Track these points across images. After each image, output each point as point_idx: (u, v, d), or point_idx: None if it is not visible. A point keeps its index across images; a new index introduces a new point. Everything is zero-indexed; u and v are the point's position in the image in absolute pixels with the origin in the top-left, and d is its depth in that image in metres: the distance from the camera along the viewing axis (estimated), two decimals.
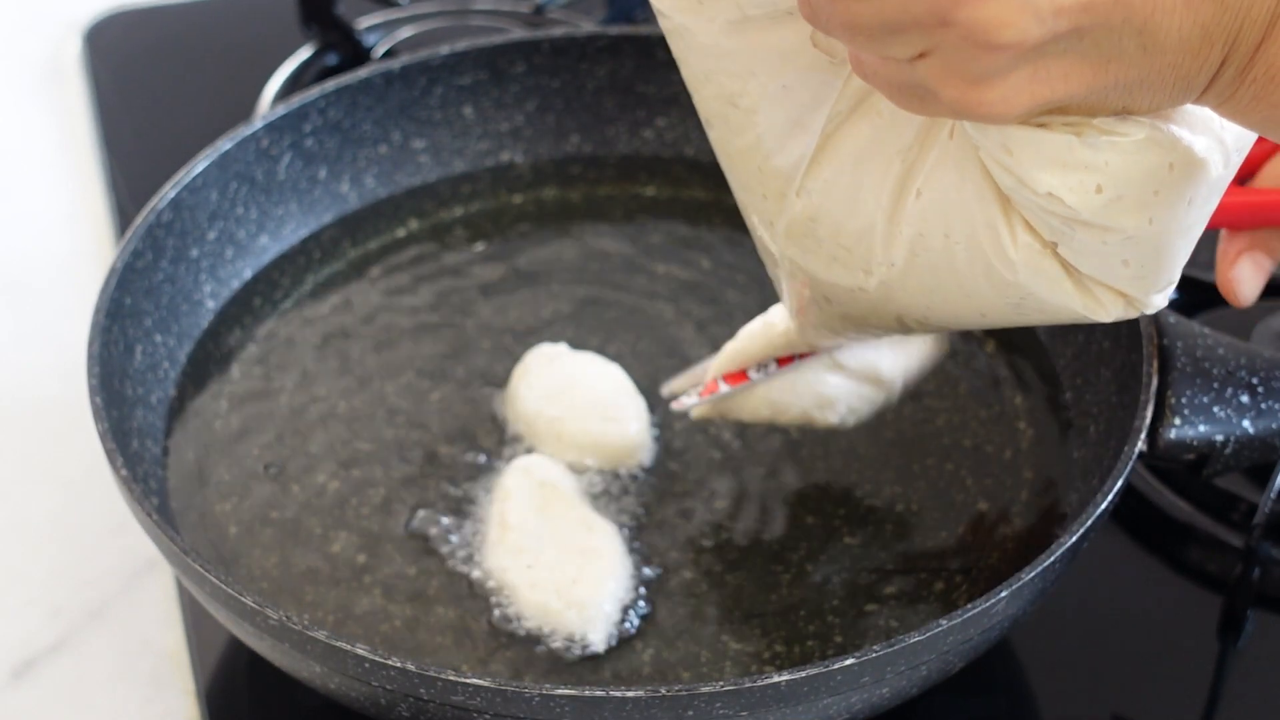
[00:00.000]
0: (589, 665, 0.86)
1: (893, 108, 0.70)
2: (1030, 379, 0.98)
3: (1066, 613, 0.92)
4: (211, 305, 1.01)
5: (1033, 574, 0.79)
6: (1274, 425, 0.88)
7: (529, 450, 0.95)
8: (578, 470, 0.94)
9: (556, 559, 0.88)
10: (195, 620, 0.93)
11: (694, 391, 0.92)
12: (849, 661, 0.76)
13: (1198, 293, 1.06)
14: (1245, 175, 0.86)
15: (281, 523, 0.92)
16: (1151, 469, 0.98)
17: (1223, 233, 0.84)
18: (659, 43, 1.09)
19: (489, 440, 0.96)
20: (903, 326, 0.79)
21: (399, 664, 0.76)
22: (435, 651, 0.87)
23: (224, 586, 0.79)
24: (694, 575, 0.90)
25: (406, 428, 0.97)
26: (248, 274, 1.03)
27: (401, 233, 1.08)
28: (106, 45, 1.30)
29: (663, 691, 0.75)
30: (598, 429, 0.94)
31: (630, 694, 0.75)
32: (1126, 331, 0.91)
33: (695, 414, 0.92)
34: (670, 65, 1.09)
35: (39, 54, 1.32)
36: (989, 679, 0.90)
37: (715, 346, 1.00)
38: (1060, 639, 0.92)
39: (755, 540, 0.91)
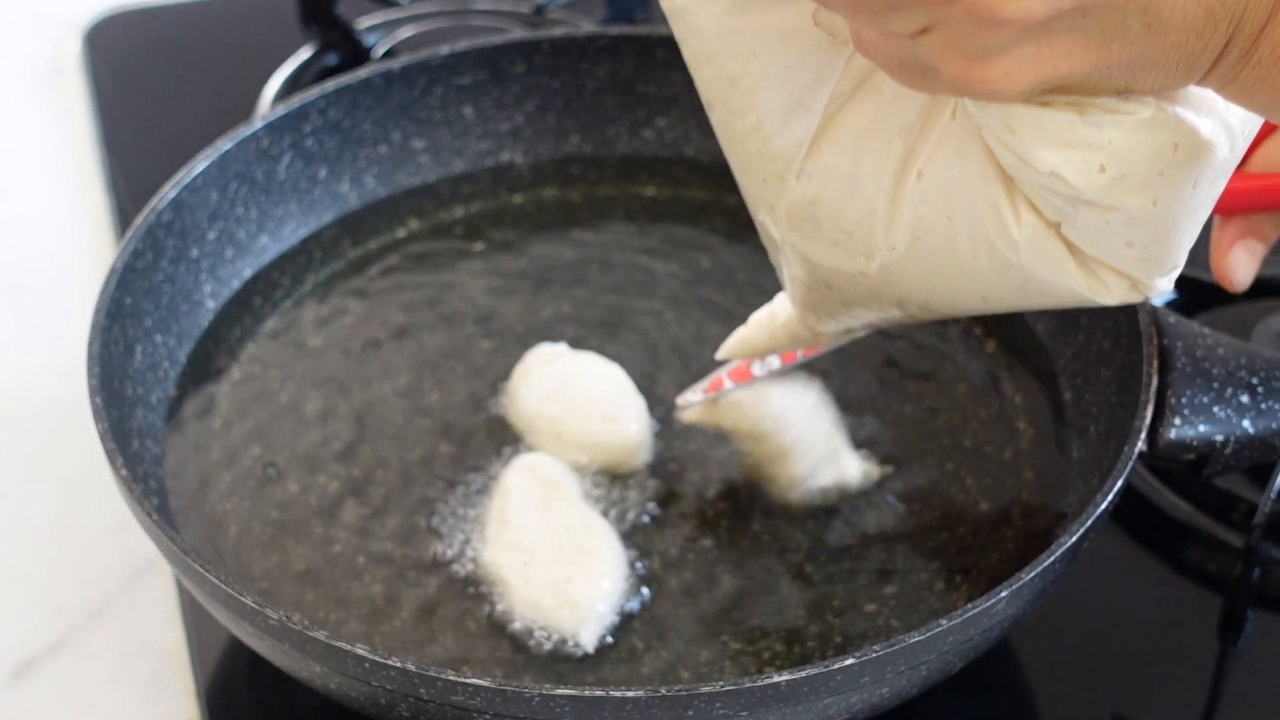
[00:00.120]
0: (588, 665, 0.86)
1: (894, 87, 0.70)
2: (1030, 379, 0.98)
3: (1066, 613, 0.92)
4: (211, 305, 1.01)
5: (1033, 574, 0.79)
6: (1274, 425, 0.88)
7: (529, 450, 0.95)
8: (577, 470, 0.94)
9: (552, 557, 0.88)
10: (195, 620, 0.93)
11: (699, 388, 0.92)
12: (849, 661, 0.76)
13: (1198, 293, 1.06)
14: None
15: (281, 523, 0.92)
16: (1151, 469, 0.98)
17: (1215, 218, 0.84)
18: (659, 43, 1.09)
19: (489, 440, 0.96)
20: (904, 312, 0.78)
21: (399, 664, 0.77)
22: (435, 651, 0.87)
23: (224, 586, 0.80)
24: (694, 575, 0.90)
25: (406, 428, 0.97)
26: (248, 274, 1.03)
27: (401, 233, 1.08)
28: (106, 45, 1.30)
29: (663, 691, 0.75)
30: (598, 429, 0.94)
31: (630, 694, 0.75)
32: (1126, 331, 0.91)
33: (686, 418, 0.93)
34: (670, 65, 1.10)
35: (39, 54, 1.32)
36: (989, 679, 0.90)
37: (715, 347, 1.00)
38: (1060, 639, 0.92)
39: (755, 540, 0.91)
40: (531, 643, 0.86)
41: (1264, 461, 0.89)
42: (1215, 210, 0.82)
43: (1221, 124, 0.66)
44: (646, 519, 0.92)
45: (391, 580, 0.90)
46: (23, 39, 1.34)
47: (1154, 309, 0.90)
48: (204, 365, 0.99)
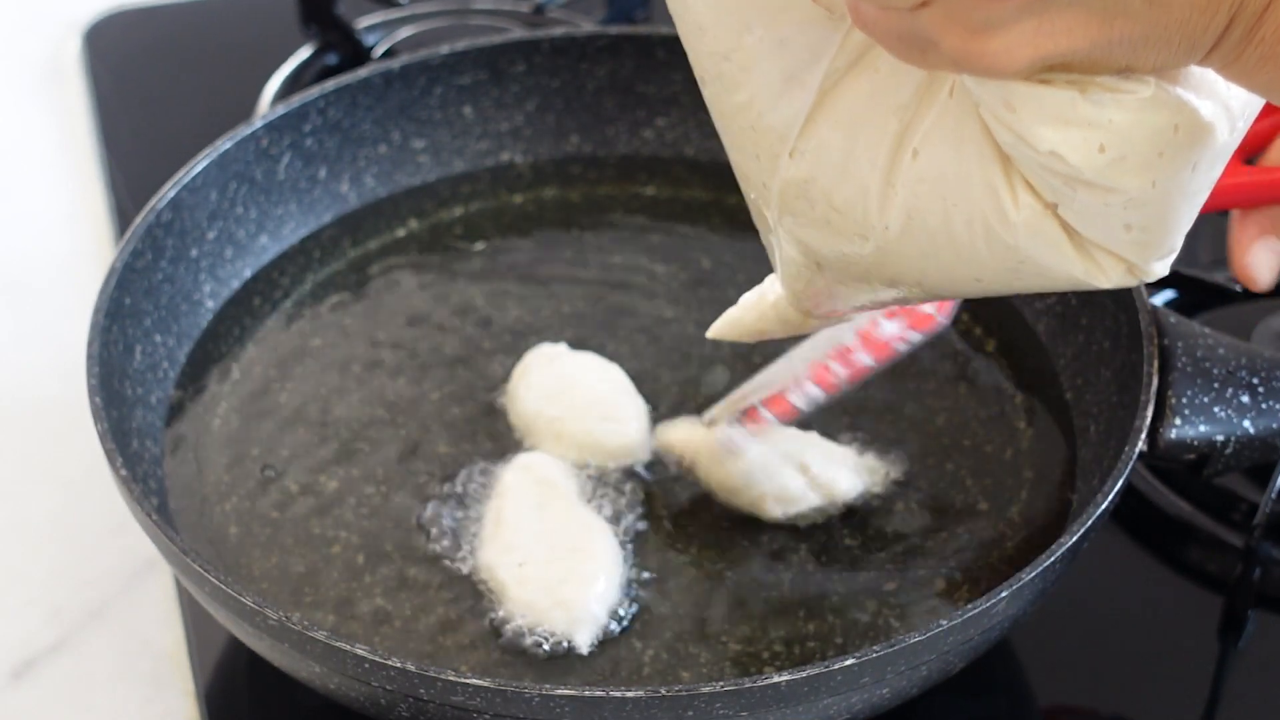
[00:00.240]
0: (589, 665, 0.86)
1: (891, 63, 0.70)
2: (1030, 379, 0.98)
3: (1066, 613, 0.92)
4: (211, 305, 1.01)
5: (1033, 574, 0.79)
6: (1274, 425, 0.88)
7: (529, 450, 0.95)
8: (577, 470, 0.94)
9: (548, 557, 0.88)
10: (195, 620, 0.93)
11: (734, 420, 0.91)
12: (849, 661, 0.76)
13: (1198, 293, 1.06)
14: (1253, 152, 0.85)
15: (281, 523, 0.92)
16: (1151, 469, 0.98)
17: (1233, 215, 0.83)
18: (659, 43, 1.09)
19: (489, 440, 0.96)
20: (896, 293, 0.77)
21: (399, 664, 0.76)
22: (435, 651, 0.86)
23: (224, 586, 0.79)
24: (694, 575, 0.90)
25: (406, 428, 0.97)
26: (247, 274, 1.03)
27: (401, 232, 1.08)
28: (106, 45, 1.30)
29: (663, 691, 0.75)
30: (598, 429, 0.94)
31: (630, 694, 0.75)
32: (1126, 331, 0.91)
33: (667, 441, 0.93)
34: (670, 65, 1.10)
35: (39, 54, 1.32)
36: (989, 679, 0.90)
37: (715, 346, 1.01)
38: (1060, 639, 0.92)
39: (755, 540, 0.91)
40: (528, 643, 0.86)
41: (1264, 461, 0.89)
42: (1233, 205, 0.82)
43: (1222, 106, 0.66)
44: (646, 519, 0.92)
45: (391, 580, 0.90)
46: (23, 39, 1.34)
47: (1154, 309, 0.90)
48: (204, 365, 0.99)
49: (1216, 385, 0.88)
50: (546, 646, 0.86)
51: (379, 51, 1.26)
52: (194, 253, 1.00)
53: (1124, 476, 0.83)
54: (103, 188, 1.19)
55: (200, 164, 1.00)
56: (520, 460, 0.93)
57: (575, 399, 0.95)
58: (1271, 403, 0.88)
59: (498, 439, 0.96)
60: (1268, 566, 0.93)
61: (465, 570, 0.90)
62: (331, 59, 1.27)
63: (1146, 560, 0.96)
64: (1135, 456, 0.84)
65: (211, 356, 1.00)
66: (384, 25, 1.29)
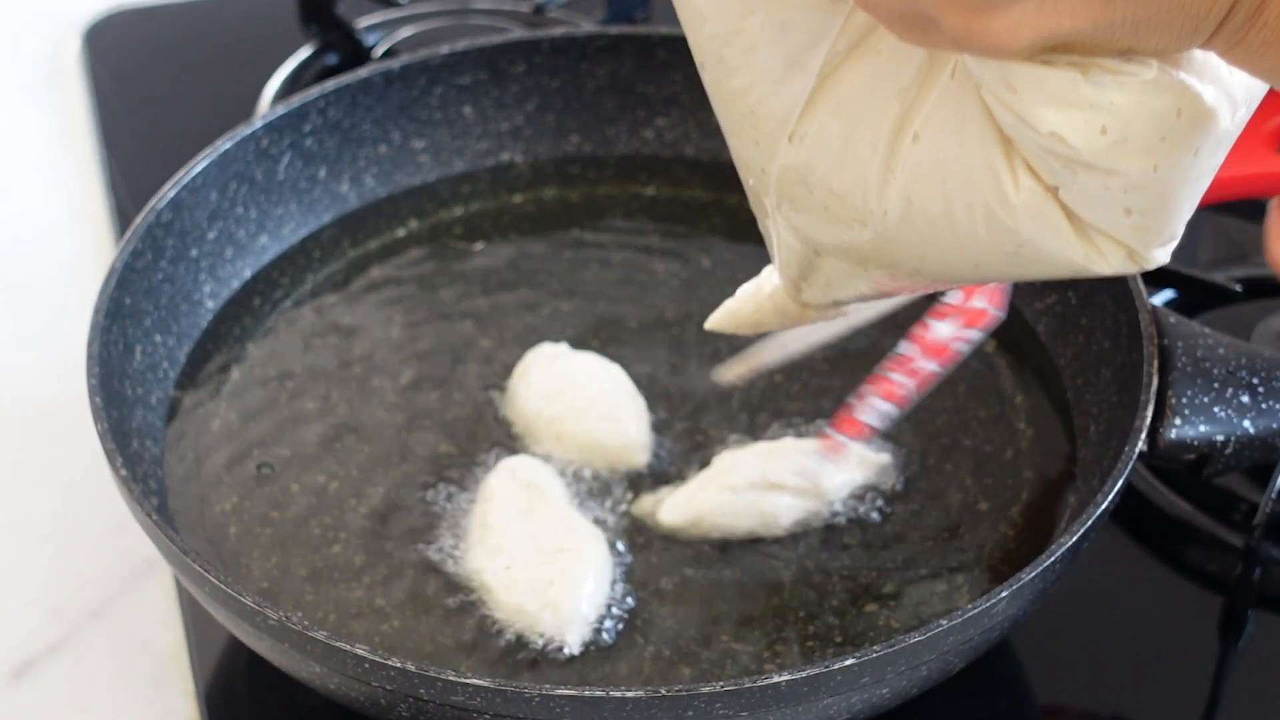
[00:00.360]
0: (587, 665, 0.86)
1: (893, 46, 0.69)
2: (1030, 379, 0.98)
3: (1066, 613, 0.92)
4: (211, 305, 1.01)
5: (1033, 574, 0.79)
6: (1274, 425, 0.88)
7: (529, 449, 0.95)
8: (577, 470, 0.94)
9: (535, 560, 0.88)
10: (195, 620, 0.93)
11: (819, 451, 0.91)
12: (849, 661, 0.76)
13: (1198, 293, 1.06)
14: None
15: (281, 523, 0.92)
16: (1151, 469, 0.98)
17: (1271, 204, 0.82)
18: (659, 43, 1.09)
19: (489, 440, 0.96)
20: (895, 281, 0.77)
21: (399, 664, 0.76)
22: (435, 651, 0.87)
23: (224, 586, 0.79)
24: (693, 575, 0.90)
25: (406, 428, 0.97)
26: (247, 274, 1.03)
27: (401, 232, 1.08)
28: (106, 45, 1.30)
29: (663, 691, 0.75)
30: (598, 429, 0.94)
31: (630, 694, 0.75)
32: (1126, 331, 0.91)
33: (666, 521, 0.92)
34: (670, 65, 1.10)
35: (39, 54, 1.32)
36: (989, 679, 0.90)
37: (716, 346, 1.01)
38: (1060, 639, 0.92)
39: (755, 539, 0.91)
40: (519, 645, 0.86)
41: (1264, 461, 0.89)
42: (1269, 193, 0.81)
43: (1225, 92, 0.66)
44: (647, 518, 0.92)
45: (391, 580, 0.90)
46: (23, 39, 1.34)
47: (1154, 309, 0.90)
48: (203, 365, 0.99)
49: (1216, 385, 0.88)
50: (538, 647, 0.86)
51: (379, 51, 1.26)
52: (194, 253, 1.00)
53: (1124, 476, 0.83)
54: (103, 188, 1.19)
55: (200, 164, 1.00)
56: (507, 464, 0.93)
57: (575, 399, 0.95)
58: (1271, 403, 0.88)
59: (498, 439, 0.96)
60: (1268, 566, 0.93)
61: (461, 572, 0.90)
62: (331, 59, 1.27)
63: (1146, 560, 0.96)
64: (1135, 456, 0.84)
65: (211, 356, 1.00)
66: (384, 25, 1.29)
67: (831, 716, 0.79)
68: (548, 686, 0.76)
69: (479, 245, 1.08)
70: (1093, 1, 0.61)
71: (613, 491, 0.93)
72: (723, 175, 1.11)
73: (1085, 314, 0.96)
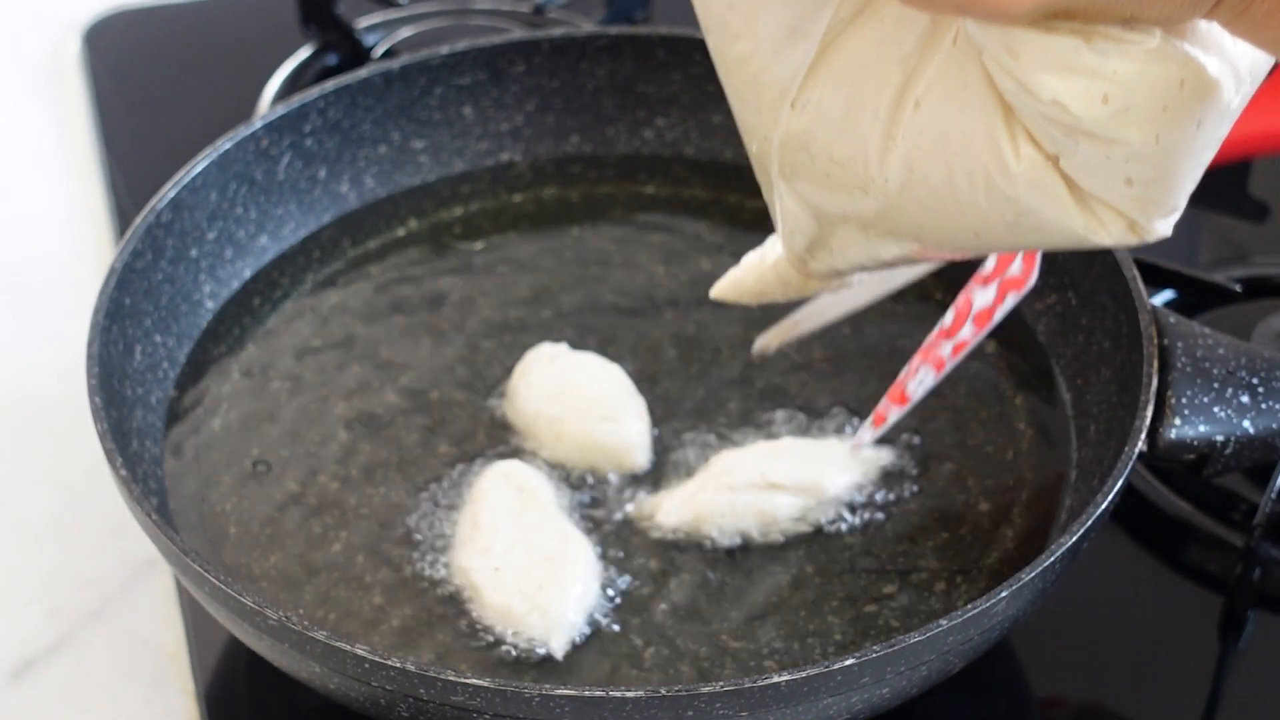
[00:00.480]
0: (587, 665, 0.86)
1: (897, 12, 0.69)
2: (1030, 379, 0.98)
3: (1066, 613, 0.92)
4: (211, 305, 1.01)
5: (1033, 574, 0.79)
6: (1274, 425, 0.88)
7: (529, 451, 0.95)
8: (576, 470, 0.94)
9: (524, 563, 0.88)
10: (195, 620, 0.93)
11: (867, 426, 0.91)
12: (849, 661, 0.76)
13: (1198, 293, 1.06)
14: None
15: (281, 523, 0.92)
16: (1151, 469, 0.98)
17: None
18: (659, 43, 1.09)
19: (489, 440, 0.96)
20: (897, 249, 0.77)
21: (399, 664, 0.77)
22: (435, 651, 0.86)
23: (224, 586, 0.79)
24: (693, 574, 0.90)
25: (406, 428, 0.97)
26: (247, 274, 1.03)
27: (401, 232, 1.08)
28: (106, 45, 1.30)
29: (663, 692, 0.75)
30: (598, 429, 0.94)
31: (630, 694, 0.75)
32: (1126, 331, 0.91)
33: (666, 521, 0.92)
34: (670, 65, 1.10)
35: (39, 54, 1.32)
36: (989, 679, 0.90)
37: (716, 346, 1.01)
38: (1060, 639, 0.92)
39: (755, 539, 0.91)
40: (506, 647, 0.86)
41: (1264, 461, 0.89)
42: None
43: (1229, 65, 0.66)
44: (646, 519, 0.92)
45: (391, 580, 0.90)
46: (22, 39, 1.34)
47: (1154, 309, 0.90)
48: (203, 366, 0.99)
49: (1216, 385, 0.88)
50: (525, 650, 0.86)
51: (379, 51, 1.26)
52: (194, 253, 1.00)
53: (1124, 476, 0.83)
54: (103, 188, 1.19)
55: (200, 164, 1.00)
56: (499, 467, 0.93)
57: (575, 399, 0.95)
58: (1271, 403, 0.88)
59: (498, 439, 0.96)
60: (1268, 566, 0.93)
61: (456, 574, 0.90)
62: (331, 59, 1.27)
63: (1146, 560, 0.96)
64: (1135, 456, 0.84)
65: (211, 356, 1.00)
66: (384, 25, 1.29)
67: (831, 716, 0.79)
68: (548, 686, 0.76)
69: (479, 245, 1.08)
70: None
71: (612, 491, 0.93)
72: (723, 175, 1.11)
73: (1085, 314, 0.96)
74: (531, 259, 1.07)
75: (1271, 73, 0.70)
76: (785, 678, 0.76)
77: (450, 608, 0.88)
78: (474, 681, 0.76)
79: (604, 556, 0.90)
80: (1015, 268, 0.87)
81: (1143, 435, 0.85)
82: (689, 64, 1.09)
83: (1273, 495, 0.90)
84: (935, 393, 0.98)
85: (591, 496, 0.93)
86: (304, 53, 1.27)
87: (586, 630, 0.87)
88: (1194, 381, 0.87)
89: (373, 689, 0.78)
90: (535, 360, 0.98)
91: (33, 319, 1.13)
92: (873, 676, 0.77)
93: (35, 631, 0.95)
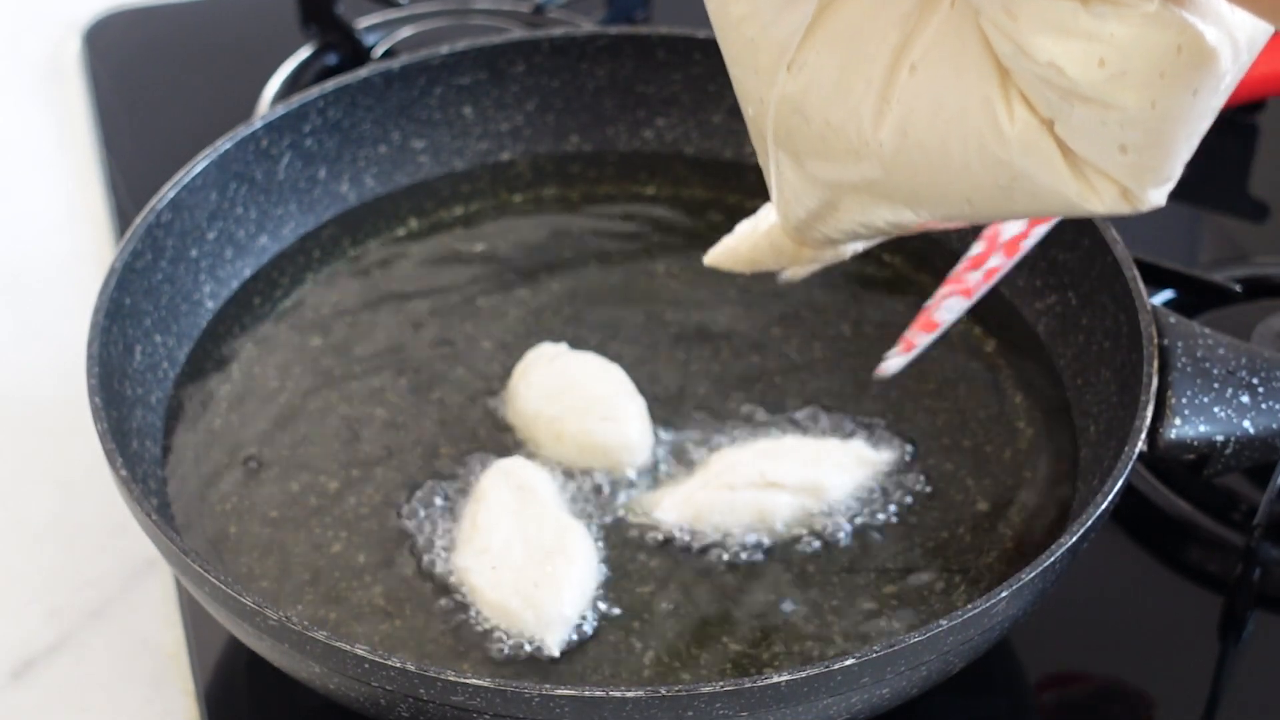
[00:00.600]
0: (587, 665, 0.86)
1: None
2: (1030, 379, 0.98)
3: (1066, 613, 0.92)
4: (211, 305, 1.01)
5: (1033, 574, 0.79)
6: (1274, 425, 0.88)
7: (529, 451, 0.95)
8: (576, 470, 0.94)
9: (522, 562, 0.88)
10: (195, 620, 0.93)
11: (895, 353, 0.90)
12: (849, 661, 0.76)
13: (1198, 293, 1.06)
14: None
15: (281, 523, 0.92)
16: (1151, 469, 0.98)
17: None
18: (659, 43, 1.09)
19: (489, 440, 0.96)
20: (890, 215, 0.76)
21: (399, 664, 0.76)
22: (436, 651, 0.87)
23: (223, 587, 0.79)
24: (693, 574, 0.90)
25: (406, 428, 0.97)
26: (247, 274, 1.03)
27: (401, 232, 1.08)
28: (106, 45, 1.30)
29: (663, 692, 0.75)
30: (598, 429, 0.94)
31: (630, 694, 0.75)
32: (1127, 331, 0.91)
33: (665, 520, 0.92)
34: (670, 65, 1.10)
35: (38, 54, 1.32)
36: (989, 679, 0.90)
37: (716, 346, 1.01)
38: (1060, 639, 0.92)
39: (755, 538, 0.91)
40: (502, 645, 0.86)
41: (1264, 461, 0.89)
42: None
43: (1227, 34, 0.66)
44: (645, 518, 0.92)
45: (391, 580, 0.90)
46: (22, 39, 1.34)
47: (1154, 309, 0.90)
48: (203, 365, 0.99)
49: (1216, 385, 0.88)
50: (519, 647, 0.86)
51: (379, 51, 1.26)
52: (194, 253, 1.00)
53: (1124, 476, 0.83)
54: (103, 188, 1.19)
55: (200, 164, 1.00)
56: (501, 465, 0.93)
57: (575, 399, 0.95)
58: (1271, 403, 0.88)
59: (498, 439, 0.96)
60: (1268, 566, 0.93)
61: (456, 572, 0.90)
62: (331, 59, 1.27)
63: (1146, 560, 0.96)
64: (1135, 456, 0.84)
65: (211, 356, 1.00)
66: (384, 25, 1.29)
67: (831, 716, 0.79)
68: (548, 686, 0.76)
69: (479, 245, 1.08)
70: None
71: (612, 491, 0.93)
72: (723, 175, 1.11)
73: (1085, 314, 0.96)
74: (531, 259, 1.07)
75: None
76: (785, 678, 0.76)
77: (450, 607, 0.88)
78: (474, 681, 0.76)
79: (604, 556, 0.90)
80: None
81: (1143, 435, 0.85)
82: (689, 64, 1.09)
83: (1273, 495, 0.90)
84: (935, 393, 0.98)
85: (591, 496, 0.93)
86: (304, 53, 1.27)
87: (585, 629, 0.87)
88: (1194, 381, 0.87)
89: (373, 689, 0.78)
90: (535, 360, 0.98)
91: (33, 319, 1.13)
92: (873, 676, 0.77)
93: (35, 631, 0.95)
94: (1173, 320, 0.90)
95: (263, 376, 1.00)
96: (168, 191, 0.98)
